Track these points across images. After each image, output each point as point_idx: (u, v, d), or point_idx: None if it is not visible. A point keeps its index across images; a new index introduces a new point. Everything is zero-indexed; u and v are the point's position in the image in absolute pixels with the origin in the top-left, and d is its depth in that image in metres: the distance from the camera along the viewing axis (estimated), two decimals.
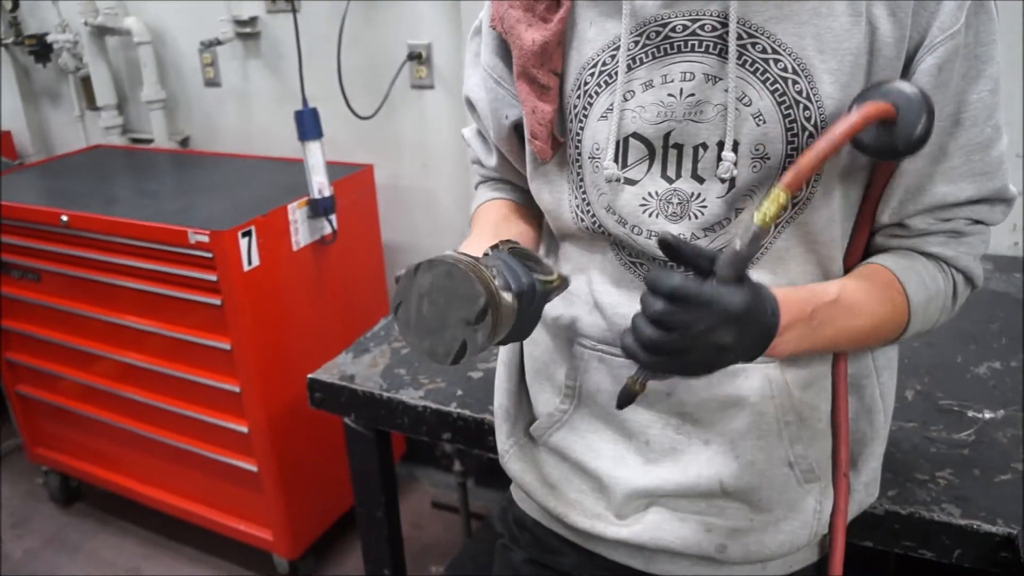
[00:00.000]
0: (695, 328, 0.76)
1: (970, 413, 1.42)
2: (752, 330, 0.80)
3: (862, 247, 0.98)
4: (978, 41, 0.87)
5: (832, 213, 0.93)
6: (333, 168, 2.40)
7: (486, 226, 1.11)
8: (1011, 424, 1.39)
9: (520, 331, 0.90)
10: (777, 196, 0.78)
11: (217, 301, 2.16)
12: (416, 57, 2.50)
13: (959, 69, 0.86)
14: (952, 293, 0.97)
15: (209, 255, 2.10)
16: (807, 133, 0.87)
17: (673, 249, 0.80)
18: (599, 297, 1.02)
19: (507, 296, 0.84)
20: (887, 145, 0.83)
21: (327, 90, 2.51)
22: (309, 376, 1.66)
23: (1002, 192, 0.93)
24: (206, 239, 2.08)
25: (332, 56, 2.47)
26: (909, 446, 1.34)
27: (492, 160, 1.16)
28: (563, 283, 0.97)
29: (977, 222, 0.95)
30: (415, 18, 2.50)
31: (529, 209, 1.17)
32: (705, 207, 0.92)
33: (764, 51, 0.87)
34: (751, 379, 0.97)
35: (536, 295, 0.89)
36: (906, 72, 0.87)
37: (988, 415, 1.42)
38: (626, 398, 0.86)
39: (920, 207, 0.92)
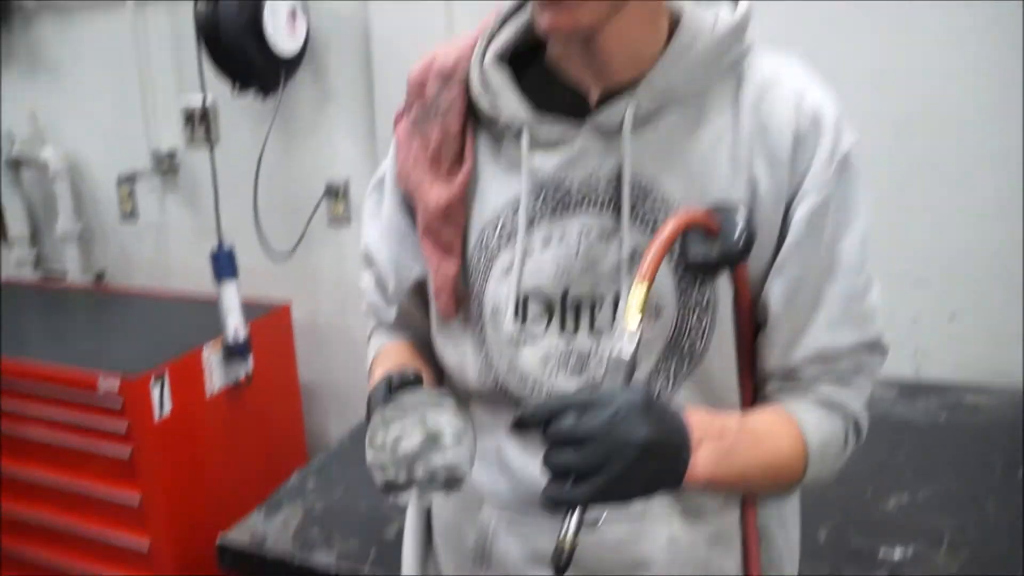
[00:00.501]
0: (606, 428, 0.74)
1: (881, 554, 1.44)
2: (667, 424, 0.79)
3: (750, 396, 0.99)
4: (847, 195, 0.91)
5: (729, 364, 0.95)
6: (250, 307, 2.38)
7: (397, 365, 1.09)
8: (921, 561, 1.41)
9: None
10: (636, 291, 0.81)
11: (126, 451, 2.09)
12: (334, 193, 2.52)
13: (831, 220, 0.90)
14: (844, 441, 0.97)
15: (119, 403, 2.05)
16: (697, 285, 0.91)
17: (538, 414, 0.79)
18: (507, 460, 1.01)
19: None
20: (711, 255, 0.88)
21: (245, 224, 2.51)
22: (219, 542, 1.61)
23: (879, 340, 0.96)
24: (116, 386, 2.03)
25: (250, 190, 2.48)
26: None
27: (392, 313, 1.15)
28: None
29: (860, 367, 0.97)
30: (333, 153, 2.54)
31: (424, 350, 1.16)
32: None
33: (654, 205, 0.90)
34: (657, 540, 0.96)
35: None
36: (784, 223, 0.91)
37: (899, 555, 1.43)
38: (565, 562, 0.76)
39: (806, 355, 0.94)
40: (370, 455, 0.86)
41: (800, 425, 0.94)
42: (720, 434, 0.87)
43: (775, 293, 0.92)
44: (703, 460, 0.84)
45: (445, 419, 0.84)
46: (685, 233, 0.88)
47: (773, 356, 0.95)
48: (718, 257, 0.88)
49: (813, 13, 2.02)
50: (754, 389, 1.00)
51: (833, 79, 2.05)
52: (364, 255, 1.14)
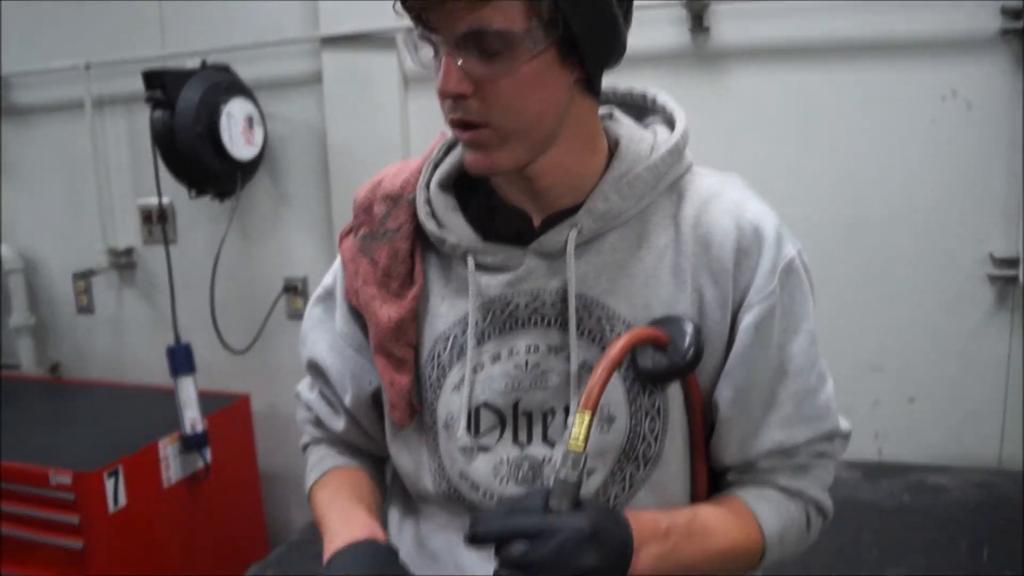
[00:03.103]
0: (555, 560, 0.78)
1: None
2: (611, 545, 0.82)
3: (704, 488, 1.02)
4: (792, 300, 0.96)
5: (684, 465, 0.98)
6: (208, 399, 2.38)
7: (360, 503, 1.08)
8: None
9: None
10: (581, 418, 0.83)
11: (78, 544, 2.05)
12: (292, 289, 2.54)
13: (778, 326, 0.94)
14: (806, 523, 1.01)
15: (71, 496, 2.02)
16: (647, 392, 0.94)
17: (490, 524, 0.82)
18: (460, 560, 1.02)
19: None
20: (661, 367, 0.90)
21: (203, 319, 2.52)
22: None
23: (835, 431, 1.00)
24: (69, 481, 2.00)
25: (208, 287, 2.49)
26: None
27: (340, 424, 1.14)
28: None
29: (820, 455, 1.01)
30: (291, 251, 2.59)
31: (378, 481, 1.17)
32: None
33: (600, 320, 0.93)
34: None
35: None
36: (732, 330, 0.95)
37: None
38: None
39: (762, 452, 0.98)
40: None
41: (756, 516, 0.97)
42: (665, 534, 0.90)
43: (724, 397, 0.95)
44: (644, 561, 0.87)
45: None
46: (638, 348, 0.92)
47: (729, 454, 0.99)
48: (667, 369, 0.90)
49: (772, 111, 2.15)
50: (711, 482, 1.02)
51: (792, 177, 2.15)
52: (310, 366, 1.14)
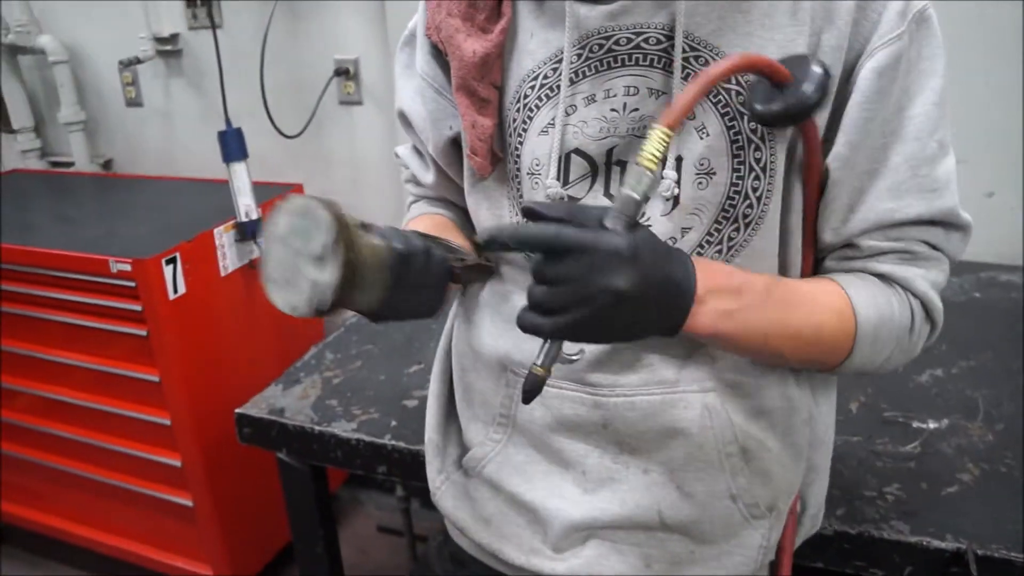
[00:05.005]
0: (581, 274, 0.71)
1: (915, 424, 1.41)
2: (652, 274, 0.74)
3: (810, 267, 0.94)
4: (920, 55, 0.84)
5: (787, 233, 0.89)
6: (261, 188, 2.33)
7: (431, 229, 1.05)
8: (955, 434, 1.38)
9: (407, 299, 0.84)
10: (653, 133, 0.73)
11: (143, 331, 2.08)
12: (344, 72, 2.43)
13: (901, 81, 0.83)
14: (909, 324, 0.91)
15: (132, 284, 2.02)
16: (753, 146, 0.84)
17: (538, 215, 0.74)
18: None
19: (375, 240, 0.76)
20: (775, 107, 0.79)
21: (253, 108, 2.43)
22: (237, 411, 1.58)
23: (953, 215, 0.88)
24: (128, 268, 1.99)
25: (257, 73, 2.39)
26: (855, 461, 1.32)
27: (429, 177, 1.10)
28: (481, 268, 0.92)
29: (933, 247, 0.90)
30: (341, 33, 2.44)
31: (464, 228, 1.12)
32: (650, 226, 0.87)
33: (707, 63, 0.83)
34: (690, 409, 0.92)
35: (430, 261, 0.84)
36: (847, 82, 0.84)
37: (932, 425, 1.40)
38: (531, 386, 0.77)
39: (867, 225, 0.87)
40: (275, 303, 0.80)
41: (850, 298, 0.87)
42: (737, 290, 0.82)
43: (835, 154, 0.85)
44: (707, 315, 0.80)
45: (296, 212, 0.77)
46: (753, 84, 0.82)
47: (831, 226, 0.89)
48: (782, 111, 0.79)
49: None
50: (814, 263, 0.94)
51: None
52: (400, 116, 1.08)
